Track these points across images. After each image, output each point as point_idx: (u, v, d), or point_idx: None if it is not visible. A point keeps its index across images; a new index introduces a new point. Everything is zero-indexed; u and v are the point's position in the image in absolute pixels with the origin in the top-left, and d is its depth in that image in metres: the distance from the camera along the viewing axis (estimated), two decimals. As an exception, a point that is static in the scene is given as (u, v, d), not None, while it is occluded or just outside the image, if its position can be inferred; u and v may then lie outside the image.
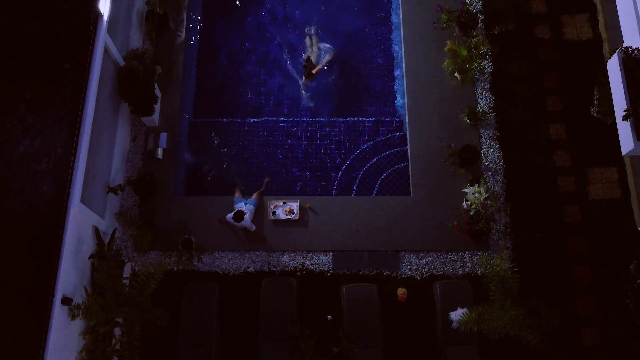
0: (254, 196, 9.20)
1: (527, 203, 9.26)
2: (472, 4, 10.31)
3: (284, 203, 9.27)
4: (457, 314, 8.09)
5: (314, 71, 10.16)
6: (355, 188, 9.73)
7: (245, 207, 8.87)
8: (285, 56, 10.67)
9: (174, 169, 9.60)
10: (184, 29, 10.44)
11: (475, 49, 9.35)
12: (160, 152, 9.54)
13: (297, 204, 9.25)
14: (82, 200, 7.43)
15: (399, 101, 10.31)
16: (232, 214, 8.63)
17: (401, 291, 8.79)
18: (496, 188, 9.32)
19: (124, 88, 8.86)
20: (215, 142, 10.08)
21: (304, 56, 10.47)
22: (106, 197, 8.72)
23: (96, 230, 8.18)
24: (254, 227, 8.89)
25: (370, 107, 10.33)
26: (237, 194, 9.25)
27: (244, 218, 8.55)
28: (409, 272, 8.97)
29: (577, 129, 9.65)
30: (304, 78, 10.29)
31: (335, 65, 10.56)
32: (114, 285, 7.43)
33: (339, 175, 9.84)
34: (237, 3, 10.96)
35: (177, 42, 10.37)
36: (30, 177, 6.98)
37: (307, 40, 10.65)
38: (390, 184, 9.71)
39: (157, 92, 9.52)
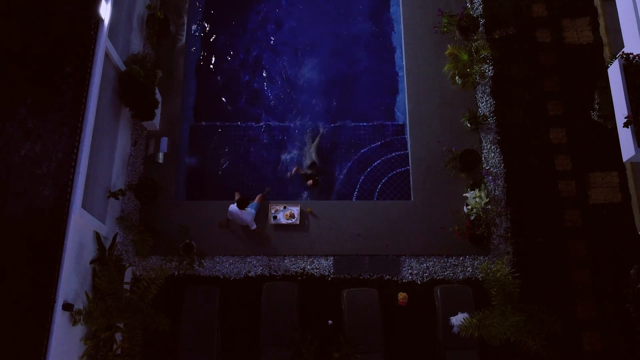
0: (256, 200, 9.20)
1: (528, 207, 9.26)
2: (472, 8, 10.32)
3: (284, 207, 9.26)
4: (458, 319, 8.09)
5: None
6: (356, 192, 9.73)
7: (247, 210, 8.87)
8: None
9: (175, 174, 9.60)
10: (184, 33, 10.44)
11: (476, 53, 9.35)
12: (161, 156, 9.54)
13: (298, 208, 9.25)
14: (83, 205, 7.43)
15: (400, 105, 10.31)
16: (235, 202, 8.57)
17: (402, 295, 8.79)
18: (497, 192, 9.32)
19: (125, 92, 8.87)
20: (216, 146, 10.08)
21: (307, 162, 9.73)
22: (107, 202, 8.72)
23: (97, 235, 8.17)
24: (255, 226, 8.89)
25: (371, 112, 10.32)
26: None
27: (247, 205, 8.49)
28: (410, 277, 8.97)
29: (577, 133, 9.65)
30: (309, 184, 9.53)
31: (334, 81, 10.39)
32: (115, 290, 7.43)
33: (340, 180, 9.84)
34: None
35: (178, 46, 10.38)
36: (31, 181, 6.98)
37: (307, 138, 10.05)
38: (391, 188, 9.71)
39: (158, 96, 9.52)
